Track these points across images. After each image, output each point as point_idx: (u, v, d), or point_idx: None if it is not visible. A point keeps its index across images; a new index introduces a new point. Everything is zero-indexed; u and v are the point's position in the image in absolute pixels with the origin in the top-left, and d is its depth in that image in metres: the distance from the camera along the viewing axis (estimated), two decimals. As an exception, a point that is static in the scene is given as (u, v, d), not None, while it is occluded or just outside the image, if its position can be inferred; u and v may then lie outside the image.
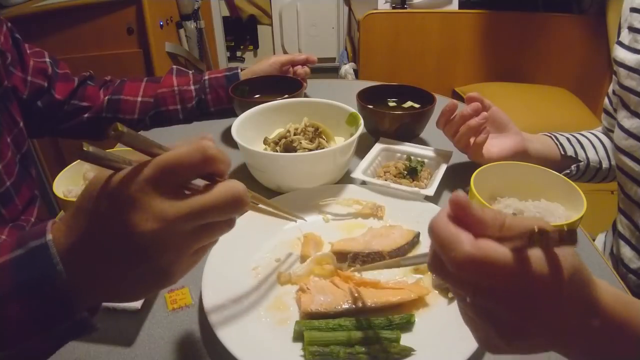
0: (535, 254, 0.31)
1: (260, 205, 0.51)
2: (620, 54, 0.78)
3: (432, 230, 0.33)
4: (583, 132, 0.90)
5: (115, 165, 0.36)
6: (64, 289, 0.37)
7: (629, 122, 0.76)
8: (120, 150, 0.80)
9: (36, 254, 0.37)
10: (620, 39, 0.79)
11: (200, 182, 0.38)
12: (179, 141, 0.38)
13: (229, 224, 0.39)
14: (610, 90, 0.87)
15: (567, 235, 0.29)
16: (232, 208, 0.37)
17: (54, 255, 0.37)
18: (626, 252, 0.81)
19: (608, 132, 0.89)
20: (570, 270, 0.32)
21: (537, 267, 0.31)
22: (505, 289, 0.32)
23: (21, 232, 0.39)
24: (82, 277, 0.37)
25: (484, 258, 0.30)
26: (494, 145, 0.78)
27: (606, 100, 0.88)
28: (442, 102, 0.87)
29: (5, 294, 0.36)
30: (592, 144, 0.87)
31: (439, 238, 0.32)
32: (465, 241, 0.31)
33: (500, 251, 0.30)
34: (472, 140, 0.76)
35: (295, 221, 0.65)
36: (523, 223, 0.32)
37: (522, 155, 0.78)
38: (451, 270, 0.32)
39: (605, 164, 0.86)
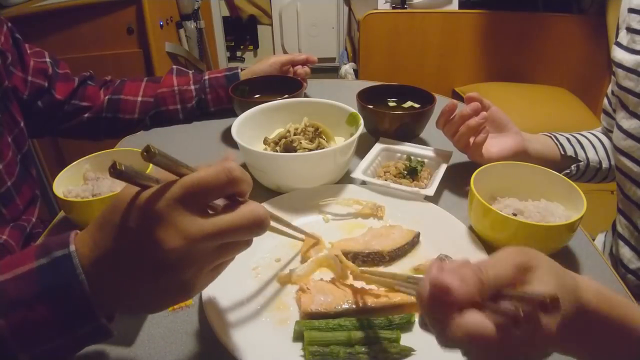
0: (522, 325, 0.32)
1: (276, 225, 0.54)
2: (618, 54, 0.78)
3: (421, 306, 0.35)
4: (583, 132, 0.90)
5: (144, 183, 0.38)
6: (86, 298, 0.38)
7: (627, 123, 0.76)
8: (122, 150, 0.80)
9: (60, 263, 0.39)
10: (618, 40, 0.80)
11: (220, 200, 0.40)
12: (203, 162, 0.40)
13: (247, 243, 0.42)
14: (609, 91, 0.87)
15: (551, 305, 0.31)
16: (254, 230, 0.39)
17: (77, 265, 0.38)
18: (625, 252, 0.81)
19: (607, 132, 0.89)
20: (556, 322, 0.33)
21: (524, 333, 0.32)
22: (494, 353, 0.33)
23: (43, 241, 0.41)
24: (104, 289, 0.39)
25: (471, 336, 0.32)
26: (494, 145, 0.78)
27: (605, 100, 0.88)
28: (442, 102, 0.87)
29: (32, 299, 0.38)
30: (592, 144, 0.87)
31: (429, 315, 0.34)
32: (453, 323, 0.32)
33: (488, 327, 0.32)
34: (471, 140, 0.76)
35: (319, 240, 0.67)
36: (499, 280, 0.33)
37: (522, 155, 0.78)
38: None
39: (605, 164, 0.86)
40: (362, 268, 0.57)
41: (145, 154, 0.34)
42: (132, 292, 0.40)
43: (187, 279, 0.39)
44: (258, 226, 0.39)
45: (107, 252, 0.39)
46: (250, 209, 0.39)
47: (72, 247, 0.39)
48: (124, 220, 0.38)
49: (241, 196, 0.40)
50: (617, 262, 0.85)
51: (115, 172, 0.34)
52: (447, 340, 0.34)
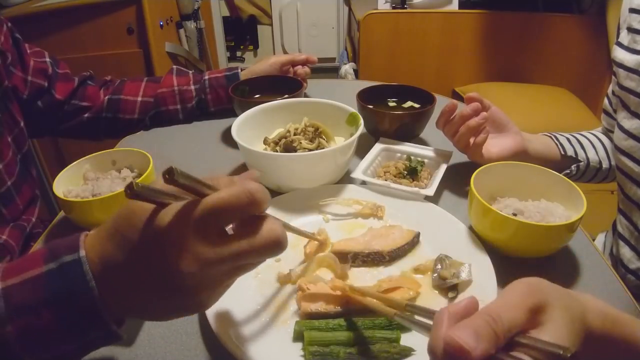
0: None
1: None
2: (619, 54, 0.78)
3: None
4: (583, 132, 0.90)
5: (162, 201, 0.37)
6: (95, 304, 0.38)
7: (629, 123, 0.76)
8: (122, 150, 0.79)
9: (69, 269, 0.38)
10: (619, 40, 0.79)
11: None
12: (224, 177, 0.39)
13: (260, 261, 0.41)
14: (609, 91, 0.87)
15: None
16: (272, 252, 0.38)
17: (87, 272, 0.38)
18: (626, 252, 0.81)
19: (608, 132, 0.89)
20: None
21: None
22: None
23: (51, 245, 0.41)
24: (114, 298, 0.39)
25: None
26: (494, 145, 0.78)
27: (606, 100, 0.88)
28: (442, 102, 0.87)
29: (40, 304, 0.38)
30: (592, 144, 0.87)
31: None
32: None
33: None
34: (471, 140, 0.76)
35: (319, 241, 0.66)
36: (513, 328, 0.32)
37: (522, 155, 0.78)
38: None
39: (605, 164, 0.86)
40: (357, 287, 0.55)
41: (167, 176, 0.33)
42: (142, 306, 0.40)
43: (199, 298, 0.39)
44: (277, 248, 0.38)
45: (118, 265, 0.38)
46: (268, 229, 0.38)
47: (82, 253, 0.39)
48: (140, 237, 0.37)
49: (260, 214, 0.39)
50: (617, 262, 0.85)
51: (132, 193, 0.33)
52: None
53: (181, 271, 0.36)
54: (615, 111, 0.83)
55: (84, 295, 0.38)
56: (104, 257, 0.38)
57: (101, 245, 0.39)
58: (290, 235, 0.66)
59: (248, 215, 0.38)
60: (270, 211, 0.72)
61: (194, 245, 0.36)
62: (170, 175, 0.33)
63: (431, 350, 0.33)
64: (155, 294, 0.39)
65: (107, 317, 0.39)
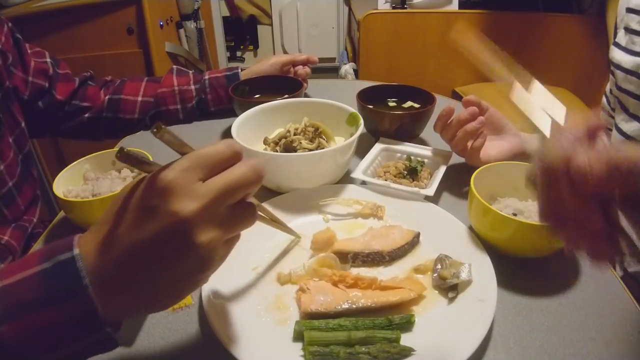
0: None
1: (262, 214, 0.55)
2: (616, 55, 0.77)
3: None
4: None
5: (151, 169, 0.39)
6: (90, 303, 0.37)
7: (627, 126, 0.75)
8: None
9: (63, 267, 0.38)
10: (617, 40, 0.79)
11: None
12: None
13: (253, 214, 0.42)
14: (607, 90, 0.86)
15: None
16: (253, 178, 0.40)
17: (81, 269, 0.37)
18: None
19: (607, 131, 0.89)
20: None
21: None
22: None
23: (48, 246, 0.40)
24: (113, 290, 0.38)
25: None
26: (492, 147, 0.78)
27: (604, 99, 0.88)
28: (442, 102, 0.87)
29: (34, 304, 0.37)
30: None
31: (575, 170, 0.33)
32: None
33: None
34: (469, 144, 0.76)
35: (299, 237, 0.67)
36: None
37: (520, 156, 0.78)
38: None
39: None
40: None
41: (154, 130, 0.36)
42: (147, 284, 0.39)
43: (204, 252, 0.38)
44: (256, 175, 0.40)
45: (112, 246, 0.38)
46: (244, 162, 0.41)
47: (76, 250, 0.38)
48: (128, 205, 0.38)
49: None
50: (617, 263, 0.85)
51: (122, 155, 0.36)
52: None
53: (181, 213, 0.36)
54: (613, 110, 0.83)
55: (78, 294, 0.37)
56: (100, 249, 0.38)
57: (95, 235, 0.39)
58: (290, 237, 0.67)
59: (231, 165, 0.40)
60: (270, 211, 0.73)
61: (186, 186, 0.37)
62: (157, 130, 0.36)
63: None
64: (160, 262, 0.38)
65: (102, 318, 0.38)
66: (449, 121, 0.77)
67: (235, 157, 0.40)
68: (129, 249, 0.38)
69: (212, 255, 0.39)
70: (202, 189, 0.38)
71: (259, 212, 0.51)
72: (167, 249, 0.38)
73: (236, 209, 0.40)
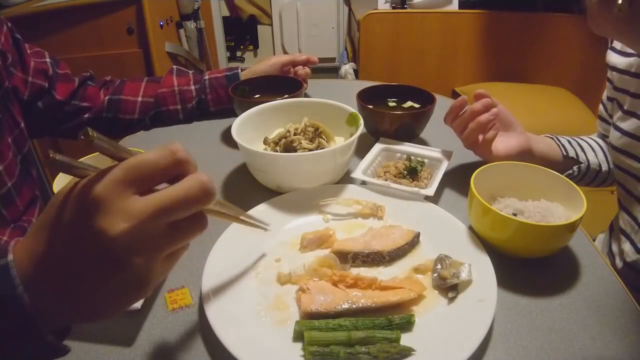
0: None
1: (225, 212, 0.48)
2: (612, 58, 0.80)
3: None
4: (581, 137, 0.92)
5: (85, 173, 0.35)
6: (27, 311, 0.35)
7: (623, 123, 0.77)
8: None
9: None
10: (612, 44, 0.82)
11: (162, 186, 0.37)
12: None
13: (201, 224, 0.37)
14: (604, 97, 0.88)
15: None
16: (201, 199, 0.35)
17: (14, 276, 0.35)
18: (626, 247, 0.82)
19: (604, 137, 0.90)
20: None
21: None
22: None
23: None
24: (48, 298, 0.36)
25: None
26: (501, 142, 0.78)
27: (601, 107, 0.90)
28: (442, 102, 0.87)
29: None
30: (591, 147, 0.89)
31: None
32: None
33: None
34: (480, 137, 0.76)
35: (265, 229, 0.63)
36: None
37: (527, 154, 0.78)
38: None
39: (604, 167, 0.87)
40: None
41: (82, 137, 0.31)
42: (80, 296, 0.36)
43: (140, 270, 0.35)
44: (204, 194, 0.35)
45: (45, 255, 0.35)
46: (193, 177, 0.35)
47: (10, 257, 0.35)
48: (59, 214, 0.34)
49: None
50: (615, 258, 0.86)
51: (49, 162, 0.32)
52: None
53: (109, 234, 0.33)
54: (611, 116, 0.84)
55: (13, 302, 0.34)
56: (33, 253, 0.36)
57: (30, 243, 0.36)
58: (290, 237, 0.67)
59: (173, 177, 0.36)
60: (270, 211, 0.72)
61: (118, 203, 0.33)
62: (85, 136, 0.31)
63: None
64: (90, 277, 0.35)
65: (42, 324, 0.35)
66: (461, 113, 0.77)
67: (178, 166, 0.35)
68: (61, 263, 0.35)
69: (149, 273, 0.36)
70: (136, 207, 0.33)
71: (222, 210, 0.46)
72: (99, 267, 0.35)
73: (181, 222, 0.36)
